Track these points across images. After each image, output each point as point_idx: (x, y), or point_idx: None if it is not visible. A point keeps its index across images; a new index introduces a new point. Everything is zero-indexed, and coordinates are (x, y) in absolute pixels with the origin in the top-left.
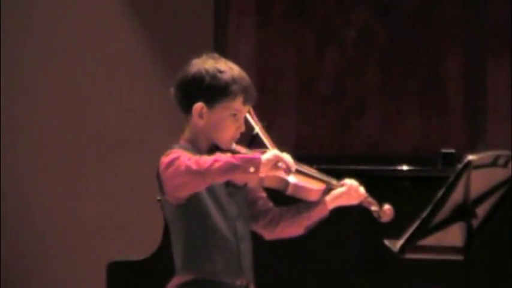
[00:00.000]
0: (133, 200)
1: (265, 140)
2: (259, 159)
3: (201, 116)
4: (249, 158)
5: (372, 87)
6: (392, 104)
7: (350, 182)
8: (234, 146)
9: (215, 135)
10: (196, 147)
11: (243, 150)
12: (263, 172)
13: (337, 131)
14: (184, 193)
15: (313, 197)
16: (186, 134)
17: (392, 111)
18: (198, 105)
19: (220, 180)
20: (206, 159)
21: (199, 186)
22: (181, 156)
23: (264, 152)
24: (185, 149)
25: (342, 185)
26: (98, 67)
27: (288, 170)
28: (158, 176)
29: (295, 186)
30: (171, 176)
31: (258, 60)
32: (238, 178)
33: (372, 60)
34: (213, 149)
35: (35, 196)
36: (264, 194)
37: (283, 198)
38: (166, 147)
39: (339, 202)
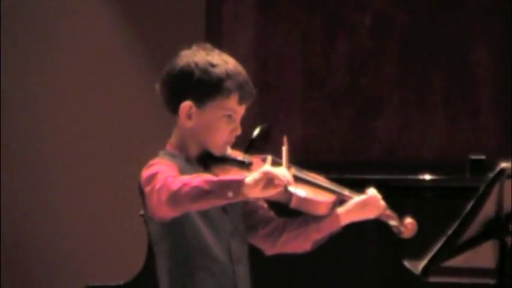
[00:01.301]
0: (113, 215)
1: (285, 161)
2: (239, 182)
3: (189, 116)
4: (226, 181)
5: (389, 83)
6: (414, 102)
7: (372, 191)
8: (229, 152)
9: (206, 139)
10: (184, 154)
11: (239, 156)
12: (252, 194)
13: (350, 134)
14: (163, 217)
15: (322, 211)
16: (174, 137)
17: (413, 110)
18: (186, 104)
19: (194, 208)
20: (177, 182)
21: (171, 214)
22: (160, 173)
23: (264, 159)
24: (172, 156)
25: (357, 195)
26: (83, 58)
27: (285, 188)
28: (140, 188)
29: (300, 198)
30: (148, 196)
31: (257, 51)
32: (217, 204)
33: (389, 51)
34: (205, 155)
35: (16, 213)
36: (264, 204)
37: (287, 211)
38: (154, 153)
39: (354, 216)
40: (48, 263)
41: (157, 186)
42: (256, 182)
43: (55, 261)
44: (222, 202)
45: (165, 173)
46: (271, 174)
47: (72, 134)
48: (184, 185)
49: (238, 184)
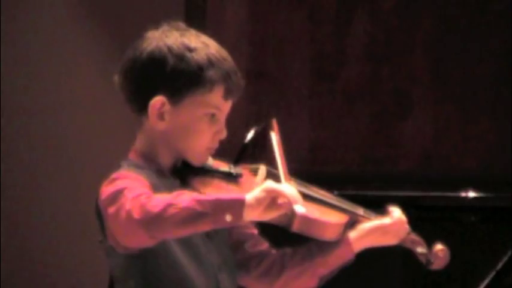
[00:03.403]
0: (68, 239)
1: (281, 167)
2: (240, 201)
3: (161, 116)
4: (223, 201)
5: (420, 74)
6: (452, 98)
7: (396, 213)
8: (210, 162)
9: (182, 145)
10: (154, 164)
11: (223, 166)
12: (252, 217)
13: (369, 138)
14: (132, 246)
15: (331, 234)
16: (139, 143)
17: (452, 109)
18: (157, 100)
19: (178, 234)
20: (157, 202)
21: (146, 242)
22: (128, 190)
23: (255, 170)
24: (138, 168)
25: (375, 215)
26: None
27: (291, 208)
28: (98, 209)
29: (304, 219)
30: (113, 219)
31: (251, 33)
32: (206, 229)
33: (418, 37)
34: (181, 166)
35: None
36: (255, 231)
37: (286, 235)
38: (113, 164)
39: (371, 241)
40: (48, 263)
41: (128, 206)
42: (259, 202)
43: (55, 261)
44: (214, 227)
45: (135, 190)
46: (275, 191)
47: (72, 134)
48: (168, 205)
49: (239, 204)
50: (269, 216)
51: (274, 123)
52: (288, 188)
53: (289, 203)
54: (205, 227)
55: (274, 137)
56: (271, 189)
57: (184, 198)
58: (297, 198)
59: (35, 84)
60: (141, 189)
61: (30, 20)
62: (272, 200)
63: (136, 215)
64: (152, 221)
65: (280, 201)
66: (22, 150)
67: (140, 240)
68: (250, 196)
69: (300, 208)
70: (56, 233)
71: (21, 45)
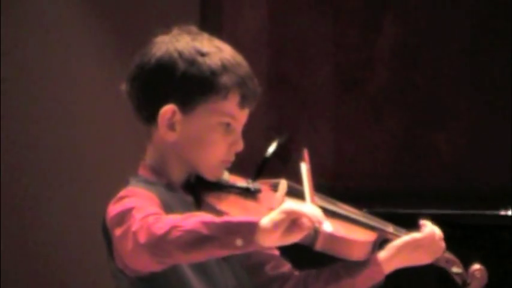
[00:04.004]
0: (70, 246)
1: (307, 187)
2: (252, 225)
3: (171, 126)
4: (232, 224)
5: (456, 81)
6: (489, 109)
7: (429, 228)
8: (226, 177)
9: (195, 158)
10: (165, 179)
11: (240, 181)
12: (269, 242)
13: (399, 152)
14: (141, 269)
15: (358, 254)
16: (148, 157)
17: (490, 120)
18: (167, 109)
19: (185, 260)
20: (163, 224)
21: (154, 267)
22: (136, 209)
23: (276, 186)
24: (148, 184)
25: (406, 233)
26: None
27: (315, 230)
28: (105, 228)
29: (329, 237)
30: (120, 241)
31: (270, 36)
32: (217, 255)
33: (453, 40)
34: (193, 182)
35: None
36: (275, 252)
37: (309, 255)
38: (120, 176)
39: (402, 261)
40: (49, 264)
41: (134, 227)
42: (276, 225)
43: (56, 262)
44: (225, 252)
45: (143, 210)
46: (295, 213)
47: (78, 144)
48: (172, 227)
49: (251, 228)
50: (289, 240)
51: (306, 154)
52: (310, 208)
53: (312, 225)
54: (214, 252)
55: (304, 167)
56: (290, 211)
57: (191, 220)
58: (321, 218)
59: (38, 93)
60: (150, 209)
61: (34, 22)
62: (292, 222)
63: (141, 238)
64: (156, 244)
65: (303, 223)
66: (24, 158)
67: (147, 265)
68: (266, 219)
69: (326, 225)
70: (57, 239)
71: (25, 49)
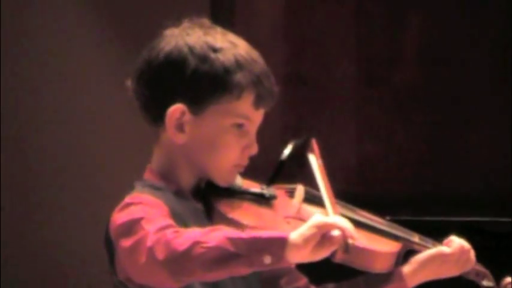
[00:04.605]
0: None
1: (325, 196)
2: (282, 240)
3: (180, 127)
4: (261, 239)
5: (485, 81)
6: None
7: (458, 242)
8: (239, 182)
9: (206, 162)
10: (174, 185)
11: (254, 187)
12: (298, 258)
13: (426, 155)
14: (152, 286)
15: (381, 265)
16: (155, 160)
17: None
18: (176, 109)
19: (208, 278)
20: (184, 240)
21: (169, 285)
22: (146, 220)
23: (292, 192)
24: (155, 190)
25: (432, 243)
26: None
27: (346, 244)
28: (108, 238)
29: (351, 247)
30: (128, 255)
31: (288, 30)
32: (242, 272)
33: (485, 35)
34: (203, 188)
35: None
36: (290, 265)
37: (327, 267)
38: (126, 185)
39: (428, 274)
40: (48, 264)
41: (150, 242)
42: (306, 241)
43: (55, 262)
44: (250, 270)
45: (155, 221)
46: (326, 226)
47: (80, 145)
48: (195, 243)
49: (281, 244)
50: (319, 256)
51: (314, 143)
52: (341, 221)
53: (344, 238)
54: (239, 270)
55: (314, 160)
56: (321, 224)
57: (215, 235)
58: (353, 231)
59: (40, 91)
60: (162, 221)
61: (33, 12)
62: (323, 236)
63: (159, 254)
64: (176, 261)
65: (334, 238)
66: (24, 158)
67: (163, 283)
68: (295, 234)
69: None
70: (58, 241)
71: (25, 44)
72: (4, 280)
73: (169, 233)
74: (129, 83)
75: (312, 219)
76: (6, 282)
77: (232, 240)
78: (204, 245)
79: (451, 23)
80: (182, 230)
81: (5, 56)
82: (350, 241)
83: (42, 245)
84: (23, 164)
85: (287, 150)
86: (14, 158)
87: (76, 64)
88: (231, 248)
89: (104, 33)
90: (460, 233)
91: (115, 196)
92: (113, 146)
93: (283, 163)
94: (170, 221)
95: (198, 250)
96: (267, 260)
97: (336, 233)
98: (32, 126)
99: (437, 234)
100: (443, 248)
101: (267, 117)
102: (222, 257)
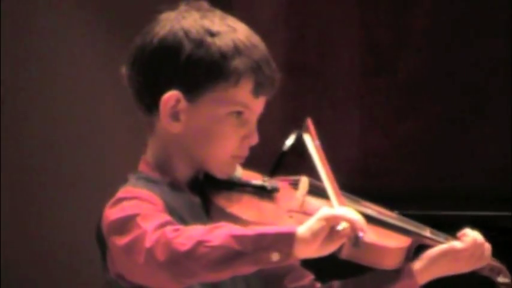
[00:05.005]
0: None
1: (328, 186)
2: (290, 236)
3: (175, 115)
4: (268, 235)
5: (498, 67)
6: None
7: (472, 236)
8: (239, 174)
9: (203, 153)
10: (168, 177)
11: (255, 179)
12: (306, 254)
13: (434, 146)
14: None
15: (390, 262)
16: (150, 151)
17: None
18: (171, 96)
19: (211, 278)
20: (186, 239)
21: (171, 286)
22: (140, 217)
23: (295, 183)
24: (147, 182)
25: (445, 237)
26: None
27: (356, 237)
28: (100, 235)
29: (360, 241)
30: (123, 253)
31: (289, 16)
32: (247, 271)
33: (497, 18)
34: (201, 179)
35: None
36: (296, 262)
37: (333, 264)
38: (119, 178)
39: (439, 270)
40: (49, 264)
41: (149, 243)
42: (315, 235)
43: (56, 262)
44: (257, 268)
45: (151, 218)
46: (335, 218)
47: (71, 136)
48: (198, 243)
49: (288, 240)
50: (327, 250)
51: (309, 122)
52: (350, 213)
53: (353, 231)
54: (245, 268)
55: (310, 141)
56: (330, 216)
57: (218, 233)
58: (362, 223)
59: (36, 83)
60: (160, 217)
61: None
62: (332, 229)
63: (160, 255)
64: (179, 263)
65: (343, 231)
66: (22, 154)
67: (164, 284)
68: (303, 228)
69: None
70: (55, 238)
71: (24, 42)
72: (4, 280)
73: (168, 231)
74: (123, 70)
75: (320, 212)
76: (6, 282)
77: (237, 238)
78: (208, 244)
79: (459, 8)
80: (182, 227)
81: (4, 57)
82: (360, 234)
83: (42, 245)
84: (23, 161)
85: (289, 141)
86: (13, 155)
87: (70, 53)
88: (236, 247)
89: (99, 20)
90: (472, 228)
91: (109, 191)
92: (105, 138)
93: (284, 154)
94: (168, 217)
95: (202, 250)
96: (275, 257)
97: (345, 225)
98: (31, 121)
99: (448, 229)
100: (455, 243)
101: (266, 106)
102: (227, 256)
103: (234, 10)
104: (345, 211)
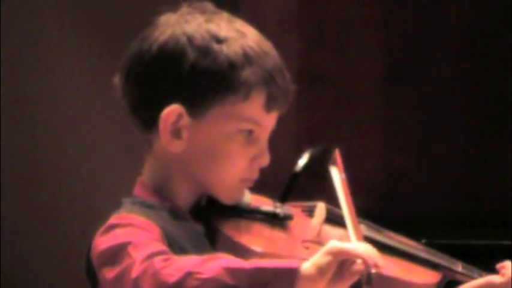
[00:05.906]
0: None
1: (349, 222)
2: (291, 272)
3: (176, 133)
4: (266, 270)
5: None
6: None
7: (510, 267)
8: (247, 199)
9: (207, 175)
10: (168, 202)
11: (266, 204)
12: None
13: (467, 166)
14: None
15: None
16: (148, 173)
17: None
18: (172, 111)
19: None
20: (175, 269)
21: None
22: (132, 246)
23: (311, 210)
24: (145, 208)
25: (479, 273)
26: None
27: (369, 274)
28: (89, 265)
29: (379, 277)
30: (113, 283)
31: (302, 19)
32: None
33: None
34: (203, 206)
35: None
36: None
37: None
38: (113, 202)
39: None
40: (49, 264)
41: (135, 273)
42: (322, 271)
43: (56, 262)
44: None
45: (144, 247)
46: (344, 253)
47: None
48: (187, 274)
49: (290, 276)
50: (338, 286)
51: (337, 154)
52: (362, 246)
53: (366, 269)
54: None
55: (336, 174)
56: (337, 251)
57: (211, 265)
58: (377, 259)
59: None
60: (152, 246)
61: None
62: (341, 265)
63: (146, 287)
64: None
65: (354, 267)
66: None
67: None
68: (308, 264)
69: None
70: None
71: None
72: (4, 280)
73: (157, 261)
74: (116, 80)
75: (327, 246)
76: (7, 282)
77: (231, 271)
78: (198, 276)
79: (497, 7)
80: (174, 257)
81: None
82: (373, 271)
83: (42, 245)
84: (23, 166)
85: (302, 161)
86: (14, 158)
87: (66, 57)
88: (230, 281)
89: (92, 22)
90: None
91: (101, 217)
92: (98, 158)
93: (297, 176)
94: (162, 247)
95: (191, 283)
96: None
97: (356, 261)
98: (32, 127)
99: (483, 260)
100: (494, 277)
101: (277, 122)
102: None
103: (241, 12)
104: (356, 245)
